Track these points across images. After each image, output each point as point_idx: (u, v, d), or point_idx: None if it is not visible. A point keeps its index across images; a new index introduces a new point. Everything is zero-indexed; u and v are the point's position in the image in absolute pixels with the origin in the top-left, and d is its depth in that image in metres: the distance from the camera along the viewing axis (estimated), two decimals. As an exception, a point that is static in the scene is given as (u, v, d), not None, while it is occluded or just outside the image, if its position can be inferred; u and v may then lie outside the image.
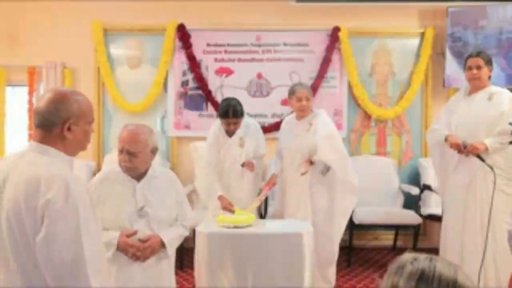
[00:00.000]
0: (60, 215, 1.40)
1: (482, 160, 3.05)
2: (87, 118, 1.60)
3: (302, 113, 3.55)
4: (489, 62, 3.26)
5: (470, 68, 3.27)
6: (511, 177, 3.12)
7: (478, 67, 3.23)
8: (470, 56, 3.31)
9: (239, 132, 3.59)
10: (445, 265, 1.03)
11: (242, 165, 3.57)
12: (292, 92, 3.57)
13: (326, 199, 3.50)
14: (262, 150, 3.69)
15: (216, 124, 3.71)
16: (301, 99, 3.50)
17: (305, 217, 3.42)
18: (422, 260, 1.05)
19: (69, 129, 1.54)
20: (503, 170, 3.10)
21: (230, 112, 3.47)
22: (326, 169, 3.46)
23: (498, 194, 3.05)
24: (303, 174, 3.40)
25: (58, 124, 1.53)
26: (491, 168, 3.01)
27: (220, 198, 3.47)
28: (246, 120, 3.65)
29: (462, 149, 3.17)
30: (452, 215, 3.32)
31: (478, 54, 3.27)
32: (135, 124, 2.40)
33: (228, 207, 3.38)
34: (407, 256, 1.08)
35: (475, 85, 3.28)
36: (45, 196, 1.40)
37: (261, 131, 3.75)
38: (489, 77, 3.29)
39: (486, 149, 3.08)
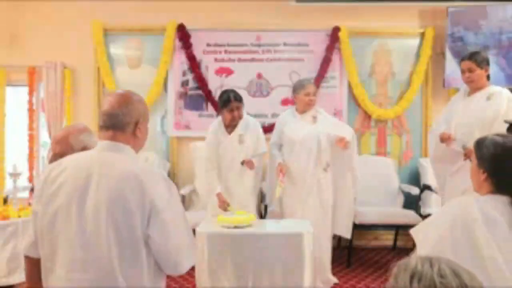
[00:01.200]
0: (169, 205, 1.54)
1: None
2: (148, 117, 1.72)
3: (309, 107, 3.66)
4: (483, 63, 3.21)
5: (463, 72, 3.26)
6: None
7: (470, 70, 3.20)
8: (462, 59, 3.29)
9: (238, 129, 3.59)
10: (472, 277, 1.00)
11: (242, 163, 3.57)
12: (301, 86, 3.65)
13: (331, 195, 3.60)
14: (262, 148, 3.69)
15: (215, 122, 3.71)
16: (309, 93, 3.62)
17: (313, 214, 3.46)
18: (451, 276, 0.99)
19: (139, 128, 1.65)
20: None
21: (232, 96, 3.50)
22: (327, 165, 3.58)
23: None
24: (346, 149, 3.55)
25: (131, 124, 1.63)
26: None
27: (218, 195, 3.49)
28: (245, 117, 3.65)
29: (450, 141, 3.17)
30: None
31: (470, 56, 3.23)
32: None
33: (223, 205, 3.39)
34: (427, 268, 1.00)
35: (471, 87, 3.27)
36: (151, 191, 1.51)
37: (260, 129, 3.75)
38: (488, 77, 3.27)
39: None
